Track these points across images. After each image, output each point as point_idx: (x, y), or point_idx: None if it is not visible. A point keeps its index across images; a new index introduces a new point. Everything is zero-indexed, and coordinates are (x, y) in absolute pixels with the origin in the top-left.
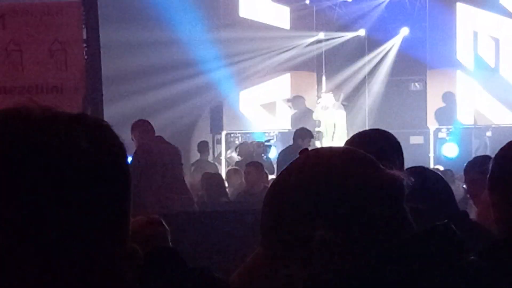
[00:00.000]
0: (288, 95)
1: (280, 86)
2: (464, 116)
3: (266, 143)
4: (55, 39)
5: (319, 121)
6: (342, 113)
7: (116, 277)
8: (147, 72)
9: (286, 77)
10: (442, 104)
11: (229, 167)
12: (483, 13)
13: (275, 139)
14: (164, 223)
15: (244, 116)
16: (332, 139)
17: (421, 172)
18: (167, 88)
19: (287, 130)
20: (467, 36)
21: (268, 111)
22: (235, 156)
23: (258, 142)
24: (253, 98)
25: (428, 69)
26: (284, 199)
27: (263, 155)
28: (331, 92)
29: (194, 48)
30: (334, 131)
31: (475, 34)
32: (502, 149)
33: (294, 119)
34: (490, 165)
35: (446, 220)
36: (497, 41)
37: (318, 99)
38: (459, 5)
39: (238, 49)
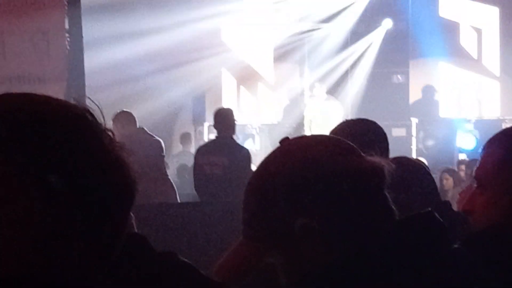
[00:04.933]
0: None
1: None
2: (447, 109)
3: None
4: (38, 29)
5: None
6: (337, 104)
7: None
8: (129, 63)
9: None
10: (424, 97)
11: None
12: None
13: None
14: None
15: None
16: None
17: (403, 162)
18: (149, 78)
19: (275, 123)
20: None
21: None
22: None
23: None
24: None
25: (410, 59)
26: (266, 187)
27: None
28: (320, 86)
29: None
30: (325, 122)
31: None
32: (490, 140)
33: (284, 111)
34: (480, 155)
35: (429, 209)
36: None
37: (311, 89)
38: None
39: None
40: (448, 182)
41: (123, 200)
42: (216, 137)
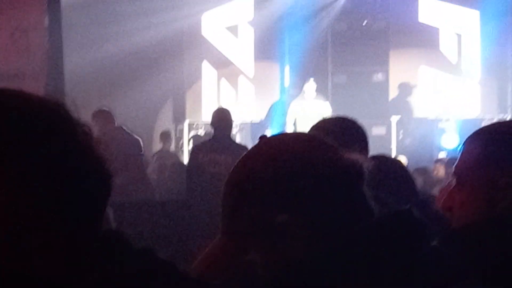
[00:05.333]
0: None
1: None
2: (427, 109)
3: None
4: (17, 26)
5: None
6: (327, 105)
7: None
8: (109, 62)
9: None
10: (403, 96)
11: None
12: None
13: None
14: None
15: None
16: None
17: (382, 160)
18: (129, 76)
19: (257, 121)
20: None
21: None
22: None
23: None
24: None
25: (391, 57)
26: (244, 185)
27: None
28: (314, 83)
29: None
30: (313, 122)
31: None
32: (469, 137)
33: (264, 109)
34: (459, 153)
35: (407, 206)
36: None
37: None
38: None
39: None
40: (417, 181)
41: (98, 194)
42: (214, 136)
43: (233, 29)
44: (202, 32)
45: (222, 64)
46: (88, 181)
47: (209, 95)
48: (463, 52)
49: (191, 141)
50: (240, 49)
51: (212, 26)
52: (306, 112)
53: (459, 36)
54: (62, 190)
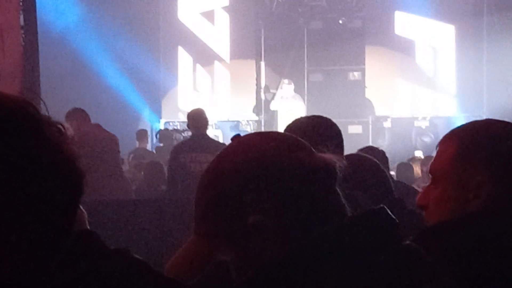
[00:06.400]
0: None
1: None
2: (402, 106)
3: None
4: None
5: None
6: (302, 105)
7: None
8: (89, 64)
9: None
10: (379, 94)
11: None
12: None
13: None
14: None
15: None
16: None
17: (357, 159)
18: (109, 78)
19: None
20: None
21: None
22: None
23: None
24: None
25: (366, 55)
26: (218, 185)
27: None
28: (291, 83)
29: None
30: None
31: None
32: (446, 136)
33: (254, 108)
34: (435, 152)
35: (381, 205)
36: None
37: (279, 87)
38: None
39: None
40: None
41: (69, 193)
42: (192, 135)
43: (209, 16)
44: (178, 16)
45: (198, 51)
46: (59, 180)
47: (186, 92)
48: (439, 63)
49: (158, 136)
50: (216, 36)
51: (188, 11)
52: (286, 111)
53: (434, 48)
54: (31, 189)
